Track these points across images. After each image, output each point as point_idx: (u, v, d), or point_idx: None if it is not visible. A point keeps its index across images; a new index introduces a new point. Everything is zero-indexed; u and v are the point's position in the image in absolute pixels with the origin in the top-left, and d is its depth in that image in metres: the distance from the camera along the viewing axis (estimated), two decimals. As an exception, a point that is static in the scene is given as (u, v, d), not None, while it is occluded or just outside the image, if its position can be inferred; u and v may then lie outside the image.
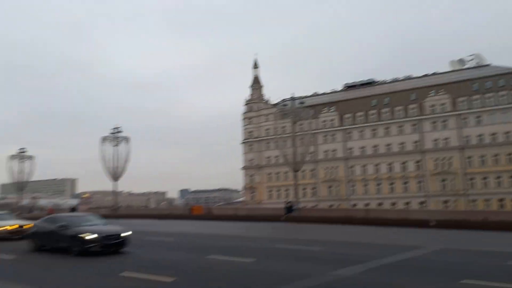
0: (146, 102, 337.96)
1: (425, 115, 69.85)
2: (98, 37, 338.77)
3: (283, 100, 71.98)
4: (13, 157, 56.90)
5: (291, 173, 78.27)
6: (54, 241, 13.96)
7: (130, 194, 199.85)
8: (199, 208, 49.34)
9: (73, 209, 52.29)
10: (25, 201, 69.68)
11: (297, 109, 35.87)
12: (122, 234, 13.65)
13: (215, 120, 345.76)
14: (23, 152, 56.84)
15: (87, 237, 12.77)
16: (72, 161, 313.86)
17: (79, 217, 15.51)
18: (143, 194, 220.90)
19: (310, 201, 72.63)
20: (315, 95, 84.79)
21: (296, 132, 36.49)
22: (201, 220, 37.82)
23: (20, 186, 58.23)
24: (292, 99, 36.10)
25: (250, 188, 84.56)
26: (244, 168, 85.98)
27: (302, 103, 37.73)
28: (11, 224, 19.48)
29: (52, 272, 10.59)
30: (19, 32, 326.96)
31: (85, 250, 12.71)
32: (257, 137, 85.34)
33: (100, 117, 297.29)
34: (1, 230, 18.97)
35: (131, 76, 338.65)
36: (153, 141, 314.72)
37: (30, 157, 57.58)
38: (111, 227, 14.53)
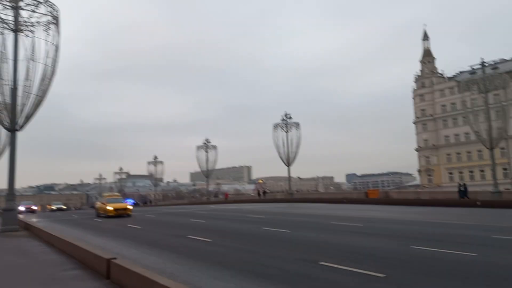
0: (311, 86, 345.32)
1: None
2: (264, 31, 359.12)
3: (461, 73, 63.54)
4: (200, 147, 63.97)
5: (475, 153, 70.33)
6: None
7: (299, 179, 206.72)
8: (374, 192, 47.23)
9: (264, 193, 56.86)
10: (211, 187, 77.46)
11: (490, 77, 30.53)
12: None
13: (381, 101, 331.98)
14: (208, 142, 63.29)
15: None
16: (247, 150, 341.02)
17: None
18: (312, 179, 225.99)
19: (502, 183, 62.80)
20: (504, 61, 72.48)
21: (489, 104, 31.23)
22: (379, 204, 35.83)
23: (206, 174, 65.04)
24: (482, 65, 30.82)
25: (426, 170, 77.76)
26: (419, 149, 79.40)
27: (495, 68, 32.11)
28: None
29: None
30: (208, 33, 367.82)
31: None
32: (431, 115, 77.68)
33: (269, 106, 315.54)
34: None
35: (295, 63, 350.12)
36: (316, 125, 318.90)
37: (214, 147, 63.90)
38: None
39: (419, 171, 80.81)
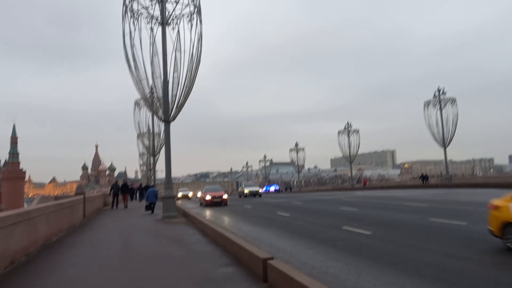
0: (462, 58, 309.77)
1: None
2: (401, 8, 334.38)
3: None
4: (341, 132, 61.75)
5: None
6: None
7: (451, 162, 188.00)
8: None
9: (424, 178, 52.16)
10: (353, 173, 74.60)
11: None
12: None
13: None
14: (350, 127, 60.67)
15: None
16: (389, 133, 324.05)
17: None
18: (467, 161, 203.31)
19: None
20: None
21: None
22: None
23: (350, 159, 62.55)
24: None
25: None
26: None
27: None
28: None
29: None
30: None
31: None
32: None
33: (413, 84, 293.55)
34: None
35: (445, 32, 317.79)
36: (472, 100, 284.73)
37: (355, 131, 61.02)
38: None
39: None
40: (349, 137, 61.01)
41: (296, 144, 78.36)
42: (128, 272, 7.45)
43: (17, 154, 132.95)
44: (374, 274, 6.98)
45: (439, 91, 45.52)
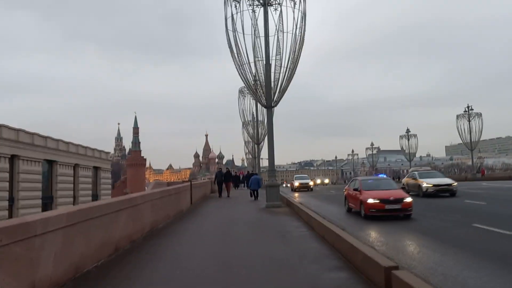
0: None
1: None
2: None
3: None
4: (460, 116, 55.58)
5: None
6: None
7: None
8: None
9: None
10: (473, 161, 66.91)
11: None
12: None
13: None
14: (471, 110, 54.31)
15: None
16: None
17: None
18: None
19: None
20: None
21: None
22: None
23: (469, 146, 56.15)
24: None
25: None
26: None
27: None
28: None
29: None
30: None
31: None
32: None
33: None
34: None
35: None
36: None
37: (478, 115, 54.44)
38: None
39: None
40: (469, 122, 54.66)
41: (407, 131, 72.94)
42: (223, 273, 6.66)
43: (139, 143, 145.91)
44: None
45: None
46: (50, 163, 37.64)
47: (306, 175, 45.68)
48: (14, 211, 30.66)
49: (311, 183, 40.06)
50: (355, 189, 15.12)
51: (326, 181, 78.63)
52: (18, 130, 32.66)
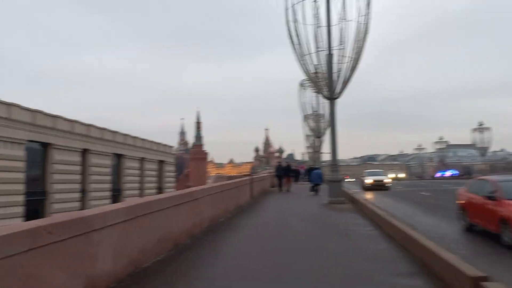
0: None
1: None
2: None
3: None
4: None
5: None
6: None
7: None
8: None
9: None
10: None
11: None
12: None
13: None
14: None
15: None
16: None
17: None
18: None
19: None
20: None
21: None
22: None
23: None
24: None
25: None
26: None
27: None
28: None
29: None
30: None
31: None
32: None
33: None
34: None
35: None
36: None
37: None
38: None
39: None
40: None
41: (480, 123, 68.07)
42: (284, 274, 6.27)
43: (201, 137, 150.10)
44: None
45: None
46: (118, 156, 39.48)
47: (381, 170, 37.70)
48: (86, 202, 32.49)
49: (388, 179, 31.84)
50: (488, 197, 9.67)
51: (401, 175, 69.89)
52: (89, 125, 34.54)
